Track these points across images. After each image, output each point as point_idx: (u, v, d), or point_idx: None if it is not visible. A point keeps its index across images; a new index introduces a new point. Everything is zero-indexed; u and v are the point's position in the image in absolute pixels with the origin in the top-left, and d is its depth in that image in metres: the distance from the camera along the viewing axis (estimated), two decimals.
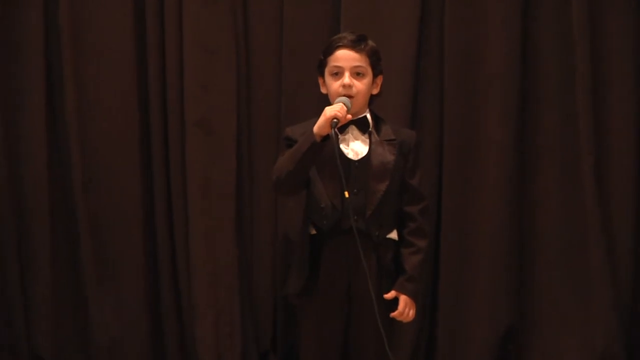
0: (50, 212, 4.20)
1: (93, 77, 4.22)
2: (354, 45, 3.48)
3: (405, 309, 3.45)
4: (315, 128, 3.36)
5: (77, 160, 4.19)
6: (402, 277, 3.46)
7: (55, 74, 4.22)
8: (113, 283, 4.25)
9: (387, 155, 3.48)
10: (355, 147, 3.49)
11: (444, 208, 4.25)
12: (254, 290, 4.29)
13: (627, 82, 4.19)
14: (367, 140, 3.50)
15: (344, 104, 3.40)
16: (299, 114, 3.98)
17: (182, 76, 4.20)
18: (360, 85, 3.47)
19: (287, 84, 4.24)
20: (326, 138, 3.35)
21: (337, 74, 3.48)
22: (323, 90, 3.56)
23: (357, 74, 3.47)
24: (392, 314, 3.43)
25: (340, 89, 3.46)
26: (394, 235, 3.51)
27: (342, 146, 3.46)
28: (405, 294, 3.45)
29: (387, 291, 3.44)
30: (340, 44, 3.49)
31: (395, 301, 3.44)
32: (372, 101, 3.56)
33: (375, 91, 3.55)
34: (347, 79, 3.45)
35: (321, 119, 3.36)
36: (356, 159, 3.47)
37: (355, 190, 3.42)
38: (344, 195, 3.36)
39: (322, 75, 3.54)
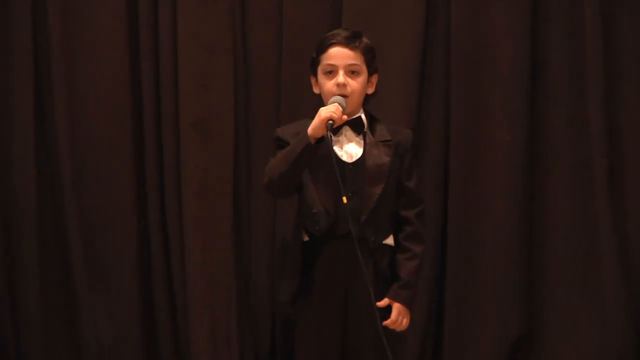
0: (38, 215, 4.19)
1: (84, 76, 4.19)
2: (348, 43, 3.43)
3: (398, 317, 3.40)
4: (310, 130, 3.31)
5: (67, 162, 4.16)
6: (396, 284, 3.42)
7: (44, 72, 4.19)
8: (105, 287, 4.23)
9: (383, 157, 3.44)
10: (350, 149, 3.45)
11: (450, 213, 4.18)
12: (252, 296, 4.26)
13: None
14: (362, 142, 3.46)
15: (339, 104, 3.35)
16: (298, 115, 3.91)
17: (177, 75, 4.17)
18: (355, 84, 3.42)
19: (287, 84, 4.19)
20: (320, 140, 3.30)
21: (331, 72, 3.42)
22: (316, 90, 3.53)
23: (351, 72, 3.42)
24: (385, 323, 3.37)
25: (334, 89, 3.41)
26: (390, 240, 3.46)
27: (336, 148, 3.41)
28: (399, 301, 3.41)
29: (383, 298, 3.40)
30: (334, 41, 3.44)
31: (388, 309, 3.39)
32: (367, 101, 3.51)
33: (370, 90, 3.51)
34: (341, 77, 3.40)
35: (316, 121, 3.31)
36: (350, 161, 3.43)
37: (349, 194, 3.36)
38: (338, 200, 3.32)
39: (315, 74, 3.49)
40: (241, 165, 4.23)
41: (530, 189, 4.20)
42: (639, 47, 4.12)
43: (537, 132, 4.20)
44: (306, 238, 3.44)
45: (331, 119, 3.28)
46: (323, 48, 3.44)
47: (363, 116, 3.46)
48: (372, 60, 3.46)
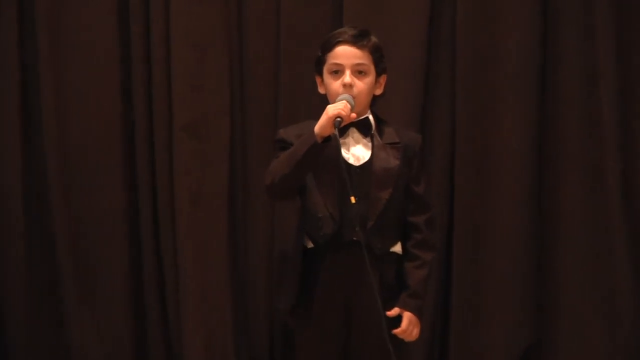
0: (26, 223, 4.14)
1: (72, 77, 4.14)
2: (355, 41, 3.34)
3: (409, 326, 3.34)
4: (317, 128, 3.22)
5: (55, 167, 4.11)
6: (405, 293, 3.35)
7: (30, 73, 4.14)
8: (95, 301, 4.17)
9: (391, 160, 3.36)
10: (357, 152, 3.36)
11: (456, 219, 4.14)
12: (250, 303, 4.21)
13: None
14: (369, 144, 3.38)
15: (348, 101, 3.27)
16: (297, 117, 3.87)
17: (170, 75, 4.11)
18: (362, 85, 3.33)
19: (285, 84, 4.13)
20: (327, 140, 3.22)
21: (337, 72, 3.34)
22: (321, 90, 3.43)
23: (358, 72, 3.33)
24: (395, 331, 3.30)
25: (341, 89, 3.32)
26: (397, 248, 3.39)
27: (343, 150, 3.31)
28: (409, 311, 3.34)
29: (388, 309, 3.31)
30: (341, 39, 3.35)
31: (396, 319, 3.33)
32: (375, 102, 3.43)
33: (378, 91, 3.43)
34: (347, 77, 3.31)
35: (323, 118, 3.22)
36: (357, 164, 3.34)
37: (357, 199, 3.25)
38: (343, 205, 3.26)
39: (320, 73, 3.40)
40: (237, 168, 4.17)
41: (539, 192, 4.18)
42: None
43: (547, 134, 4.18)
44: (310, 245, 3.35)
45: (339, 117, 3.20)
46: (329, 46, 3.35)
47: (371, 117, 3.39)
48: (380, 60, 3.38)
